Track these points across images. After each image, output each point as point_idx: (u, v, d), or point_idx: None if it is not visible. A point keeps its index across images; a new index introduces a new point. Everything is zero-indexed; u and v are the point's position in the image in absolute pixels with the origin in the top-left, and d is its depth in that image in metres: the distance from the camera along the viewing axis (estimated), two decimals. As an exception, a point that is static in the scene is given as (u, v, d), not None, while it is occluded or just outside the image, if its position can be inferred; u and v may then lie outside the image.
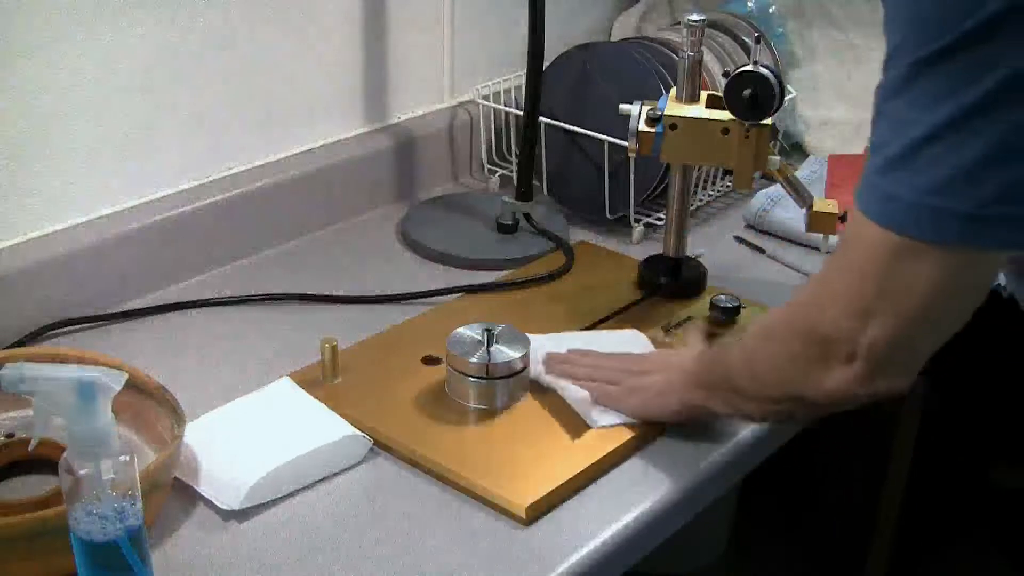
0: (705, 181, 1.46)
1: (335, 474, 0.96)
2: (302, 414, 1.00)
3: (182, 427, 0.91)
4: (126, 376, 0.73)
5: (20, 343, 1.10)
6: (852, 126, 1.58)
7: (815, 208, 1.20)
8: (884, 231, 0.73)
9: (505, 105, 1.51)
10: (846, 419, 0.93)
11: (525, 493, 0.92)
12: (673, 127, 1.15)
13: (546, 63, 1.34)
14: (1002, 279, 1.04)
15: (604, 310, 1.19)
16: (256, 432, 0.97)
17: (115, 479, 0.72)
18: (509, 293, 1.24)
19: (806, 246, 1.35)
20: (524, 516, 0.91)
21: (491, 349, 1.03)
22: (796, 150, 1.61)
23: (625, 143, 1.19)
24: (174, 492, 0.92)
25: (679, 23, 1.36)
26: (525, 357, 1.04)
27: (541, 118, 1.36)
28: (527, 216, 1.37)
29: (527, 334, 1.07)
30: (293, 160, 1.36)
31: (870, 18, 1.60)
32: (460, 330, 1.06)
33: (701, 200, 1.46)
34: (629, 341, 1.13)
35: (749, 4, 1.60)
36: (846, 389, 0.81)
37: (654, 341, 1.13)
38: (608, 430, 1.00)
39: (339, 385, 1.05)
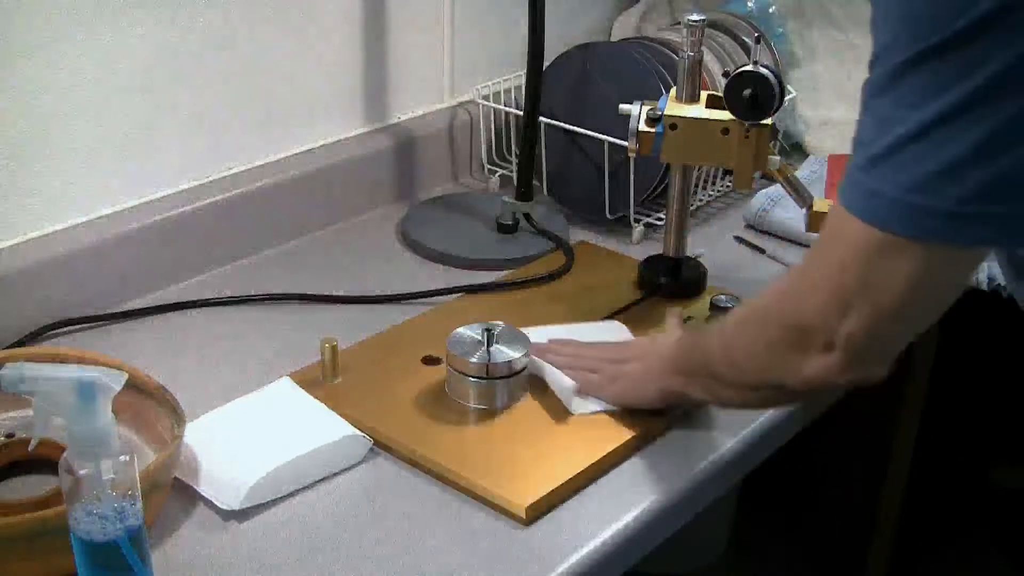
0: (705, 181, 1.46)
1: (335, 474, 0.96)
2: (302, 414, 1.00)
3: (182, 427, 0.91)
4: (126, 376, 0.73)
5: (20, 343, 1.10)
6: (852, 126, 1.57)
7: (815, 208, 1.20)
8: (867, 226, 0.74)
9: (505, 105, 1.50)
10: (846, 419, 0.93)
11: (525, 493, 0.92)
12: (673, 127, 1.15)
13: (546, 63, 1.34)
14: (1002, 279, 1.04)
15: (604, 310, 1.19)
16: (256, 432, 0.97)
17: (115, 479, 0.72)
18: (509, 293, 1.24)
19: (806, 246, 1.35)
20: (524, 516, 0.91)
21: (491, 349, 1.03)
22: (796, 150, 1.61)
23: (625, 143, 1.19)
24: (174, 492, 0.92)
25: (679, 23, 1.36)
26: (525, 357, 1.04)
27: (541, 118, 1.36)
28: (527, 216, 1.37)
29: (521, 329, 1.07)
30: (293, 160, 1.36)
31: (870, 18, 1.59)
32: (460, 330, 1.06)
33: (701, 200, 1.46)
34: (610, 330, 1.14)
35: (749, 4, 1.59)
36: (824, 377, 0.81)
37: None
38: (608, 430, 1.00)
39: (339, 385, 1.05)
